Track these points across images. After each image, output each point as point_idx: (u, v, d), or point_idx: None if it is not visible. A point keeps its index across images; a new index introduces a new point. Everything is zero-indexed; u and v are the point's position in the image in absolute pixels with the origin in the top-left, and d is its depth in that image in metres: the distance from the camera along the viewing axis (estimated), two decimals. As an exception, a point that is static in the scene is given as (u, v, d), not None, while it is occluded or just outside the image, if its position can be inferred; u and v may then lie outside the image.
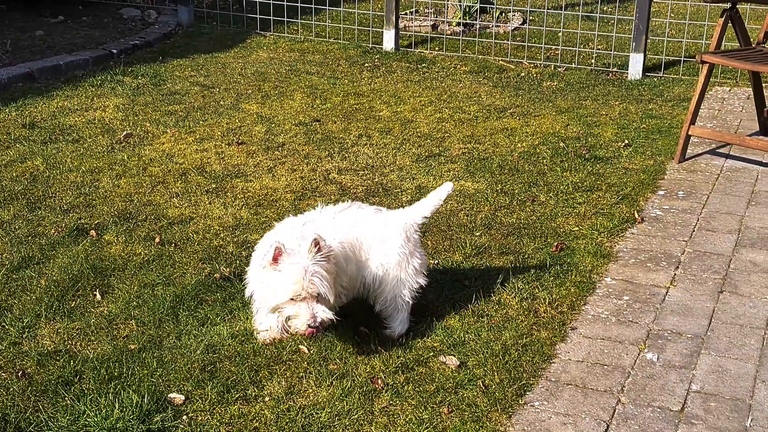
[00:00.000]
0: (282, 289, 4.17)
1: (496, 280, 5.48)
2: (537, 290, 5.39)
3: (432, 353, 4.69)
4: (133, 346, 4.66)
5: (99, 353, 4.58)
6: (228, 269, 5.55)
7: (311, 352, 4.66)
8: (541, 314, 5.14)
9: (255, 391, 4.34)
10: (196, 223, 6.24)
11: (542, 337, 4.90)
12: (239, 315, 5.01)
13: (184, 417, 4.11)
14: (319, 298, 4.19)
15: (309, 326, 4.18)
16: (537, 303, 5.25)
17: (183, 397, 4.24)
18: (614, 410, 4.28)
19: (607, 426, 4.15)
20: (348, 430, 4.05)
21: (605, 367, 4.65)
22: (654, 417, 4.22)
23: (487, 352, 4.69)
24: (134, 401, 4.11)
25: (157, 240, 5.91)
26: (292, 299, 4.18)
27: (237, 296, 5.23)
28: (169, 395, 4.24)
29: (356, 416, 4.14)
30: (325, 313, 4.21)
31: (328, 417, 4.13)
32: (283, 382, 4.39)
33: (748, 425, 4.15)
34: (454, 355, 4.66)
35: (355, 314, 5.09)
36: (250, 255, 5.67)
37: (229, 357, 4.60)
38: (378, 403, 4.25)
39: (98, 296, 5.16)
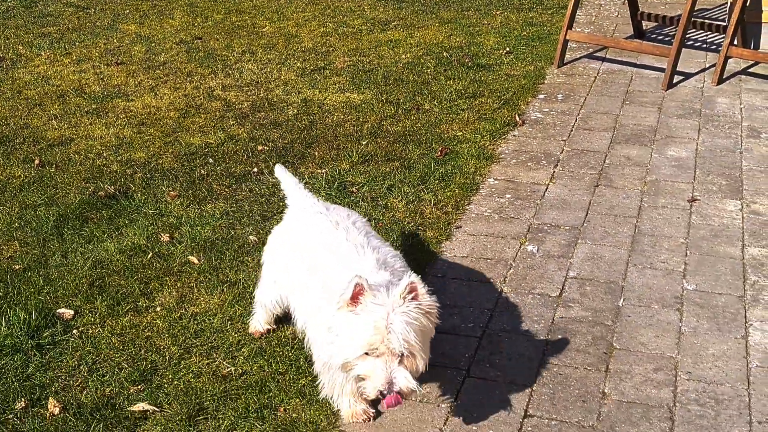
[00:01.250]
0: (356, 338, 3.10)
1: (383, 185, 5.59)
2: (423, 193, 5.52)
3: (321, 257, 4.77)
4: (17, 267, 4.59)
5: (-18, 275, 4.50)
6: (113, 187, 5.48)
7: (201, 262, 4.68)
8: (427, 215, 5.27)
9: (146, 302, 4.35)
10: (77, 144, 6.11)
11: (428, 236, 5.04)
12: (126, 231, 4.97)
13: (75, 331, 4.11)
14: (402, 359, 3.11)
15: (380, 392, 3.10)
16: (423, 205, 5.38)
17: (72, 312, 4.23)
18: (497, 300, 4.47)
19: (491, 314, 4.34)
20: (241, 332, 4.12)
21: (488, 261, 4.83)
22: (534, 303, 4.43)
23: (375, 253, 4.80)
24: (22, 318, 4.08)
25: (36, 162, 5.78)
26: (366, 353, 3.12)
27: (123, 213, 5.19)
28: (57, 311, 4.22)
29: (248, 320, 4.21)
30: (406, 381, 3.09)
31: (220, 322, 4.19)
32: (174, 293, 4.42)
33: (621, 304, 4.40)
34: (343, 258, 4.75)
35: (245, 227, 5.13)
36: (136, 173, 5.63)
37: (118, 271, 4.59)
38: (269, 306, 4.32)
39: (-22, 219, 5.05)
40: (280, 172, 4.20)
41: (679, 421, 3.59)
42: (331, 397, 3.56)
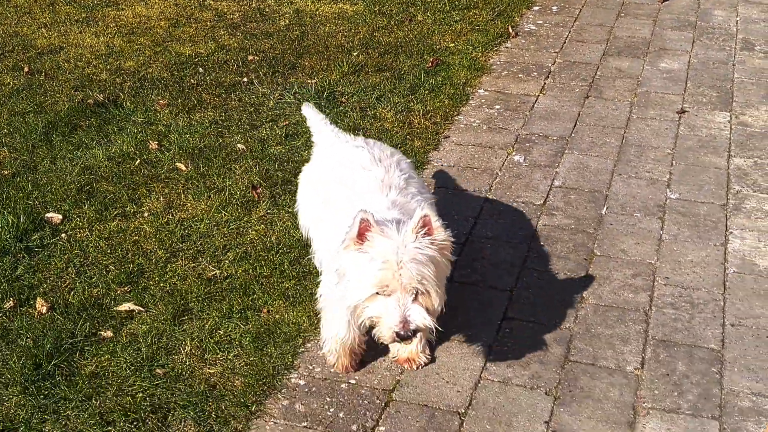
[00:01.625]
0: (365, 277, 2.85)
1: (372, 95, 5.58)
2: (412, 103, 5.51)
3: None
4: (6, 172, 4.63)
5: (-29, 180, 4.54)
6: (102, 95, 5.47)
7: (189, 169, 4.71)
8: (416, 125, 5.28)
9: (133, 207, 4.40)
10: (66, 52, 6.08)
11: (416, 146, 5.06)
12: (115, 139, 4.99)
13: (63, 234, 4.16)
14: (417, 296, 2.86)
15: (397, 334, 2.85)
16: (412, 115, 5.38)
17: (61, 217, 4.27)
18: (481, 208, 4.51)
19: (475, 222, 4.39)
20: (227, 237, 4.17)
21: (475, 170, 4.86)
22: (518, 211, 4.47)
23: (362, 162, 4.82)
24: (10, 222, 4.13)
25: (26, 70, 5.76)
26: (377, 293, 2.87)
27: (112, 121, 5.20)
28: (46, 215, 4.27)
29: (234, 225, 4.26)
30: (422, 318, 2.84)
31: (206, 227, 4.24)
32: (161, 199, 4.46)
33: (604, 213, 4.45)
34: (330, 166, 4.78)
35: (233, 135, 5.15)
36: (125, 82, 5.65)
37: (106, 177, 4.62)
38: (256, 212, 4.37)
39: (-33, 126, 5.07)
40: (307, 109, 4.02)
41: (654, 323, 3.66)
42: (325, 341, 3.35)
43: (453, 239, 3.00)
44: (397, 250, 2.81)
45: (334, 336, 3.27)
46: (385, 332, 2.86)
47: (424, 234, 2.89)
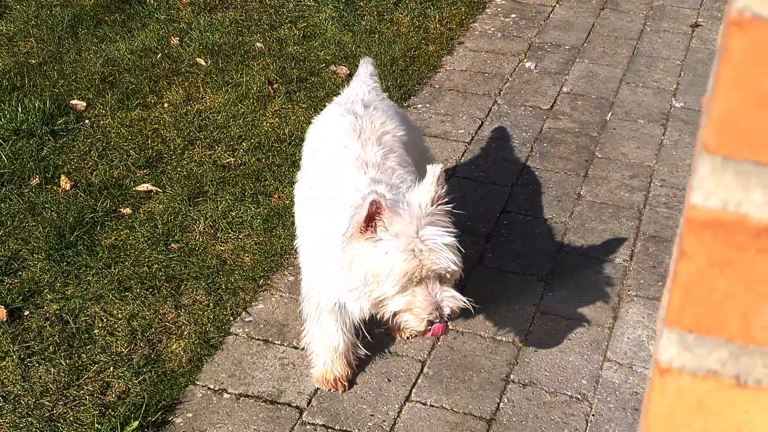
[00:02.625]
0: (387, 272, 2.50)
1: (390, 0, 5.67)
2: (429, 10, 5.60)
3: (324, 64, 4.94)
4: (33, 61, 4.80)
5: (0, 67, 4.72)
6: (126, -8, 5.61)
7: (208, 64, 4.87)
8: (431, 31, 5.38)
9: (154, 98, 4.57)
10: (92, -50, 6.19)
11: (430, 50, 5.17)
12: (137, 34, 5.14)
13: (86, 121, 4.35)
14: (442, 277, 2.56)
15: (430, 323, 2.57)
16: (428, 21, 5.48)
17: (84, 104, 4.46)
18: (490, 110, 4.64)
19: (482, 122, 4.53)
20: (242, 128, 4.35)
21: (486, 75, 4.98)
22: (525, 114, 4.61)
23: (376, 63, 4.95)
24: (37, 106, 4.32)
25: (53, -35, 5.89)
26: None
27: (135, 17, 5.34)
28: (71, 102, 4.46)
29: (250, 118, 4.43)
30: (455, 300, 2.56)
31: (223, 119, 4.41)
32: (181, 91, 4.63)
33: (608, 118, 4.57)
34: (345, 66, 4.92)
35: (253, 35, 5.27)
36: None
37: (129, 69, 4.79)
38: (271, 106, 4.53)
39: (-4, 16, 5.24)
40: (365, 65, 3.55)
41: (647, 221, 3.82)
42: (311, 349, 3.02)
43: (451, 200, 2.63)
44: (417, 233, 2.47)
45: (327, 347, 2.96)
46: (416, 323, 2.56)
47: (442, 199, 2.56)
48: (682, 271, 0.67)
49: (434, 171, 2.54)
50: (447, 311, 2.53)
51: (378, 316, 2.72)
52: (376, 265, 2.49)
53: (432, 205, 2.53)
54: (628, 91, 4.82)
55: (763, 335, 0.67)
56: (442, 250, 2.48)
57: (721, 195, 0.63)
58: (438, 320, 2.54)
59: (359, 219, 2.47)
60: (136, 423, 2.78)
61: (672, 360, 0.71)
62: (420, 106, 4.64)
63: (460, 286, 2.88)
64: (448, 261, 2.49)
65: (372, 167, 2.80)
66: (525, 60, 5.13)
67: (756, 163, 0.61)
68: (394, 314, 2.57)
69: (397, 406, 2.93)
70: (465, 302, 2.56)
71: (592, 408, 2.94)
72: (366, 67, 3.51)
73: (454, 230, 2.57)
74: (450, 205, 2.59)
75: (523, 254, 3.62)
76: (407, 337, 3.16)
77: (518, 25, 5.55)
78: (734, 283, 0.66)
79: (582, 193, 4.00)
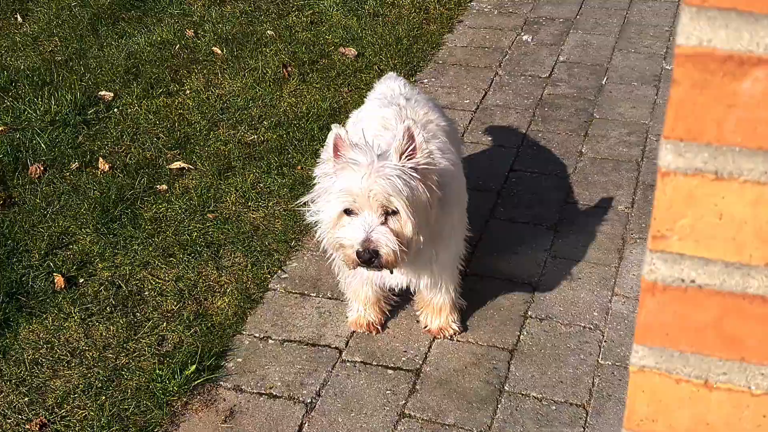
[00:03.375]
0: (333, 193, 2.65)
1: (391, -15, 5.96)
2: (428, -8, 5.89)
3: (333, 47, 5.23)
4: (59, 58, 5.09)
5: (29, 65, 5.00)
6: (139, -9, 5.90)
7: (224, 52, 5.16)
8: (432, 11, 5.68)
9: (176, 87, 4.86)
10: (102, -47, 6.48)
11: (432, 29, 5.47)
12: (154, 28, 5.43)
13: (115, 109, 4.64)
14: (387, 219, 2.62)
15: (358, 255, 2.62)
16: (428, 2, 5.77)
17: (112, 94, 4.75)
18: (492, 80, 4.94)
19: (485, 93, 4.82)
20: (262, 109, 4.64)
21: (486, 49, 5.27)
22: (525, 83, 4.90)
23: (382, 43, 5.25)
24: (68, 99, 4.60)
25: (67, -31, 6.18)
26: (347, 212, 2.66)
27: (150, 13, 5.63)
28: (99, 93, 4.75)
29: (268, 99, 4.72)
30: (386, 240, 2.59)
31: (243, 101, 4.70)
32: (201, 78, 4.92)
33: (604, 83, 4.87)
34: (353, 47, 5.21)
35: (263, 24, 5.56)
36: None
37: (150, 61, 5.08)
38: (287, 88, 4.83)
39: (19, 19, 5.51)
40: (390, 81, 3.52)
41: (645, 171, 4.11)
42: (347, 299, 3.29)
43: (438, 164, 2.76)
44: (369, 164, 2.58)
45: (359, 299, 3.20)
46: (348, 253, 2.63)
47: (409, 154, 2.63)
48: (674, 95, 0.95)
49: (403, 126, 2.63)
50: (373, 246, 2.57)
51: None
52: (328, 186, 2.66)
53: (398, 159, 2.61)
54: (621, 57, 5.11)
55: (732, 137, 0.95)
56: (383, 180, 2.54)
57: (697, 35, 0.91)
58: (364, 253, 2.58)
59: (329, 153, 2.66)
60: (193, 367, 3.07)
61: (669, 164, 0.99)
62: (426, 80, 4.93)
63: (475, 240, 3.17)
64: (386, 191, 2.54)
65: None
66: (522, 34, 5.43)
67: (719, 9, 0.89)
68: (334, 246, 2.68)
69: (426, 343, 3.23)
70: (395, 246, 2.58)
71: (604, 335, 3.23)
72: (395, 80, 3.50)
73: (412, 181, 2.61)
74: (420, 163, 2.65)
75: (532, 206, 3.91)
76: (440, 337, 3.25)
77: (513, 2, 5.84)
78: (709, 99, 0.94)
79: (583, 150, 4.29)
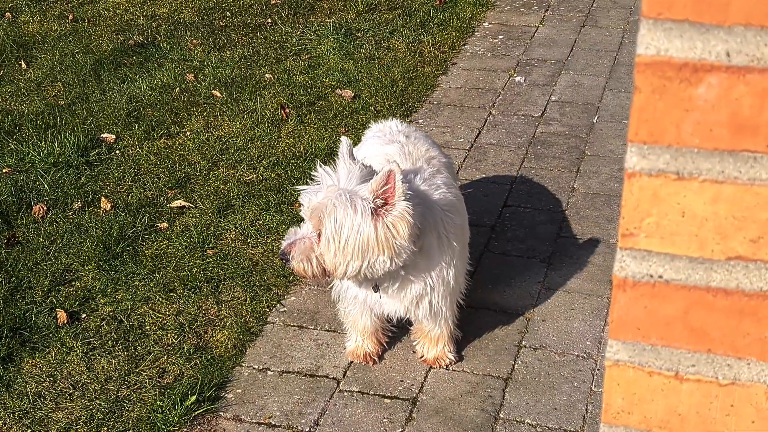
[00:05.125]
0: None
1: (386, 30, 6.11)
2: (422, 36, 6.04)
3: (330, 89, 5.36)
4: (62, 102, 5.21)
5: (33, 109, 5.12)
6: (141, 37, 6.04)
7: (223, 95, 5.28)
8: (426, 54, 5.81)
9: (177, 129, 4.97)
10: (105, 1, 6.63)
11: (426, 71, 5.59)
12: (155, 73, 5.56)
13: (117, 151, 4.74)
14: (320, 239, 2.76)
15: (281, 253, 2.86)
16: (422, 46, 5.91)
17: (114, 136, 4.85)
18: (485, 120, 5.05)
19: (479, 131, 4.93)
20: (260, 149, 4.74)
21: (480, 90, 5.39)
22: (518, 122, 5.01)
23: (378, 85, 5.37)
24: (71, 141, 4.71)
25: (70, 17, 6.33)
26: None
27: (151, 59, 5.76)
28: (101, 135, 4.85)
29: (267, 140, 4.82)
30: (302, 252, 2.79)
31: (242, 142, 4.81)
32: (201, 120, 5.03)
33: (595, 121, 4.98)
34: (350, 89, 5.33)
35: (261, 67, 5.69)
36: (161, 26, 6.17)
37: (151, 104, 5.19)
38: (285, 128, 4.93)
39: (24, 65, 5.64)
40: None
41: (635, 205, 4.19)
42: (346, 329, 3.36)
43: (411, 216, 2.72)
44: (331, 185, 2.74)
45: (357, 329, 3.28)
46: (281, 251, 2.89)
47: (383, 195, 2.70)
48: (636, 101, 1.04)
49: (386, 169, 2.69)
50: (284, 246, 2.80)
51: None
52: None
53: (370, 194, 2.68)
54: (611, 96, 5.23)
55: (690, 139, 1.03)
56: (328, 199, 2.68)
57: (654, 44, 1.00)
58: (280, 251, 2.83)
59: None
60: (194, 397, 3.12)
61: (634, 165, 1.08)
62: (421, 120, 5.04)
63: (471, 272, 3.27)
64: (321, 213, 2.69)
65: (419, 178, 3.00)
66: (515, 75, 5.56)
67: (673, 21, 0.98)
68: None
69: (422, 373, 3.28)
70: (299, 266, 2.77)
71: (597, 364, 3.29)
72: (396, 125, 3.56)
73: (360, 216, 2.67)
74: (389, 209, 2.71)
75: (526, 240, 3.99)
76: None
77: (506, 45, 5.98)
78: (668, 104, 1.02)
79: (575, 186, 4.39)
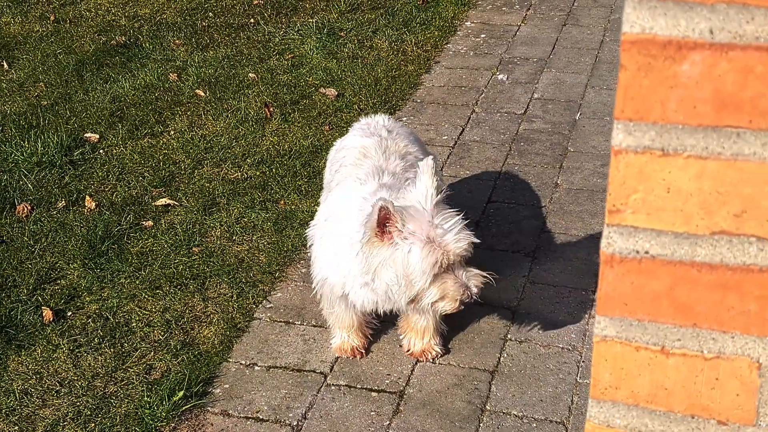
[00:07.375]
0: (417, 269, 2.81)
1: (369, 29, 6.13)
2: (405, 35, 6.06)
3: (314, 88, 5.37)
4: (45, 102, 5.19)
5: (16, 109, 5.10)
6: (123, 37, 6.03)
7: (207, 95, 5.28)
8: (409, 53, 5.84)
9: (160, 128, 4.97)
10: (86, 2, 6.62)
11: (409, 70, 5.62)
12: (138, 73, 5.55)
13: (101, 151, 4.73)
14: (462, 257, 2.91)
15: (461, 303, 2.92)
16: (405, 45, 5.93)
17: (97, 136, 4.85)
18: (469, 118, 5.07)
19: (463, 129, 4.96)
20: (245, 147, 4.74)
21: (463, 88, 5.42)
22: (501, 119, 5.04)
23: (361, 84, 5.39)
24: (55, 141, 4.70)
25: (52, 18, 6.31)
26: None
27: (134, 59, 5.76)
28: (85, 135, 4.84)
29: (251, 138, 4.83)
30: (480, 277, 2.96)
31: (227, 140, 4.81)
32: (185, 120, 5.03)
33: (577, 118, 5.01)
34: (333, 88, 5.34)
35: (245, 67, 5.69)
36: (143, 26, 6.17)
37: (134, 104, 5.19)
38: (269, 127, 4.94)
39: (5, 66, 5.62)
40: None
41: (618, 200, 4.23)
42: (330, 326, 3.38)
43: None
44: (431, 223, 2.81)
45: (342, 326, 3.30)
46: (449, 306, 2.91)
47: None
48: (622, 78, 1.06)
49: (428, 163, 2.89)
50: (475, 290, 2.91)
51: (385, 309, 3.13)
52: (404, 265, 2.81)
53: (437, 195, 2.85)
54: (593, 93, 5.28)
55: (675, 116, 1.06)
56: (458, 232, 2.84)
57: (639, 23, 1.02)
58: (468, 299, 2.90)
59: (372, 225, 2.79)
60: (181, 393, 3.13)
61: (621, 143, 1.10)
62: (405, 118, 5.06)
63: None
64: (466, 240, 2.86)
65: (387, 175, 3.15)
66: (497, 73, 5.59)
67: (658, 0, 1.00)
68: (432, 304, 2.90)
69: (409, 366, 3.30)
70: (487, 277, 2.95)
71: (582, 356, 3.32)
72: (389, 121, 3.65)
73: (457, 210, 2.91)
74: (447, 192, 2.99)
75: (510, 235, 4.02)
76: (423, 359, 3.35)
77: (488, 43, 6.01)
78: (653, 82, 1.05)
79: (559, 182, 4.42)
